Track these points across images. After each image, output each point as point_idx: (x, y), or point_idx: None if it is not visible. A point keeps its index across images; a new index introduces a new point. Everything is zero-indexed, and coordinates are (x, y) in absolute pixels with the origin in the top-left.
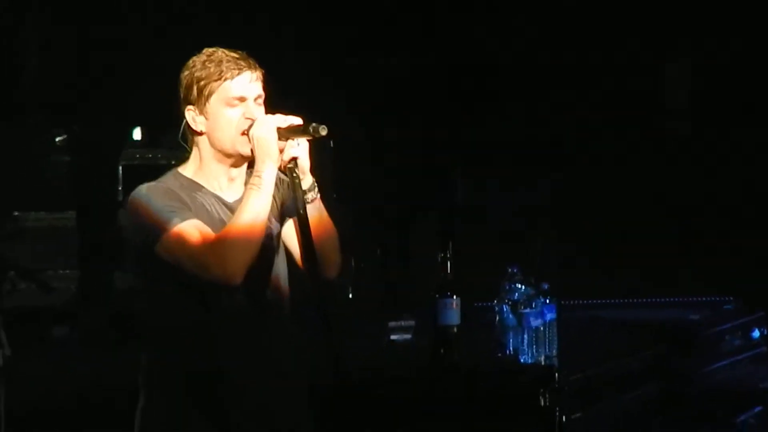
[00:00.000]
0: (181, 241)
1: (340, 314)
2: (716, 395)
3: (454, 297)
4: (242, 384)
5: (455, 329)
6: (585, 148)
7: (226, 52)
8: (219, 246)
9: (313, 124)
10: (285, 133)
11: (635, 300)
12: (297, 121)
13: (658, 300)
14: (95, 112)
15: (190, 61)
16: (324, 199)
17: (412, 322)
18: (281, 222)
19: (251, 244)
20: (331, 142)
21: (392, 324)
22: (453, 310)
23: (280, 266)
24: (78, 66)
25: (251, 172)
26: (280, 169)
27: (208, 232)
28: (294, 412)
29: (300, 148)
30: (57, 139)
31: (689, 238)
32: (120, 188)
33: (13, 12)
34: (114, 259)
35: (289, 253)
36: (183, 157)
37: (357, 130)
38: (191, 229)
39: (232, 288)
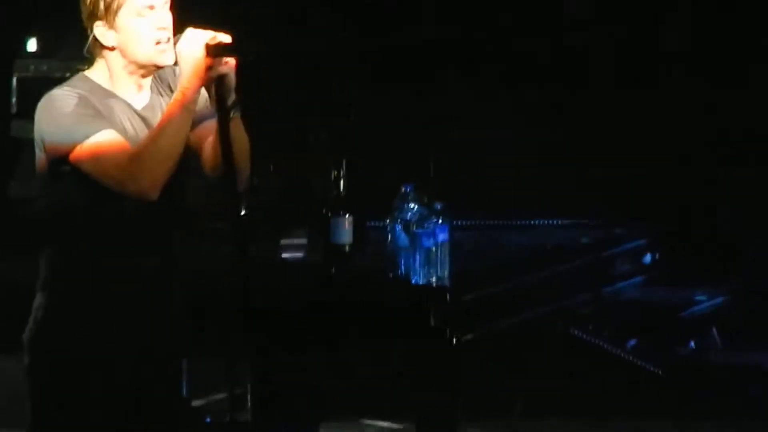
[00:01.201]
0: (96, 154)
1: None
2: (608, 318)
3: (347, 215)
4: (127, 286)
5: (347, 248)
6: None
7: None
8: (137, 160)
9: (244, 43)
10: (213, 50)
11: (528, 221)
12: (226, 38)
13: (550, 222)
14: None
15: None
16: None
17: (304, 240)
18: (195, 132)
19: (170, 161)
20: None
21: (284, 242)
22: (345, 228)
23: (185, 182)
24: None
25: (158, 75)
26: (205, 85)
27: (124, 144)
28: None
29: (227, 66)
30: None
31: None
32: (14, 100)
33: None
34: (9, 168)
35: (197, 162)
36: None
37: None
38: (107, 141)
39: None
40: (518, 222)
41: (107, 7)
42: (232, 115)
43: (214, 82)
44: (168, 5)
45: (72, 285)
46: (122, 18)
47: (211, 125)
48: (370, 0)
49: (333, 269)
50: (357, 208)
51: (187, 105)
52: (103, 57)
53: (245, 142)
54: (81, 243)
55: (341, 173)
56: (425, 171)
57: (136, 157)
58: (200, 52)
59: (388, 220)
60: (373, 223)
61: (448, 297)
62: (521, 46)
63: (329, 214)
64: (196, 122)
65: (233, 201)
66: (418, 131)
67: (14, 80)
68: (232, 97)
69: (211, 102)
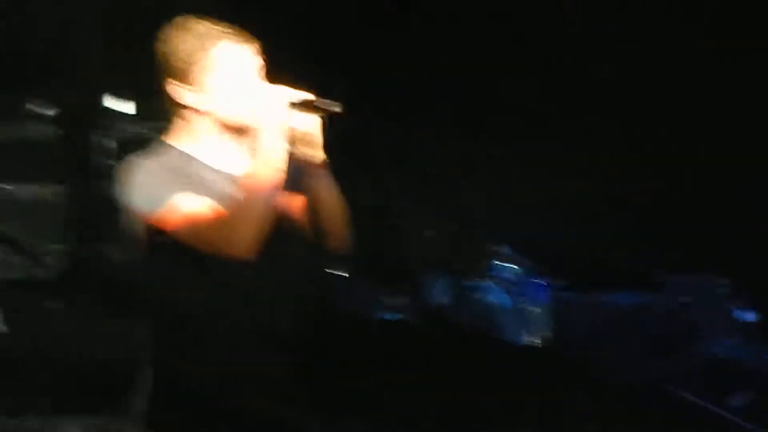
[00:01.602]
0: (187, 219)
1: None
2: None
3: (445, 275)
4: (242, 346)
5: (446, 308)
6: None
7: (209, 21)
8: (227, 223)
9: (326, 101)
10: (296, 107)
11: (626, 280)
12: (309, 96)
13: (651, 283)
14: (85, 84)
15: (171, 34)
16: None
17: (404, 301)
18: (288, 194)
19: (260, 220)
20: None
21: (384, 302)
22: (444, 289)
23: (287, 238)
24: (62, 36)
25: (249, 141)
26: (290, 143)
27: (210, 207)
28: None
29: (312, 124)
30: (49, 112)
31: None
32: (110, 161)
33: None
34: (104, 231)
35: (295, 223)
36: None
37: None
38: (196, 205)
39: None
40: (616, 281)
41: (191, 65)
42: (320, 174)
43: (299, 139)
44: (259, 68)
45: (178, 353)
46: (205, 77)
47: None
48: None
49: (431, 328)
50: (455, 268)
51: (274, 163)
52: (183, 117)
53: (337, 202)
54: (188, 312)
55: (440, 233)
56: (524, 232)
57: (225, 219)
58: (283, 108)
59: (487, 281)
60: (472, 283)
61: (546, 355)
62: (615, 108)
63: (427, 274)
64: (292, 188)
65: (326, 261)
66: (517, 191)
67: (110, 141)
68: (318, 156)
69: (299, 161)
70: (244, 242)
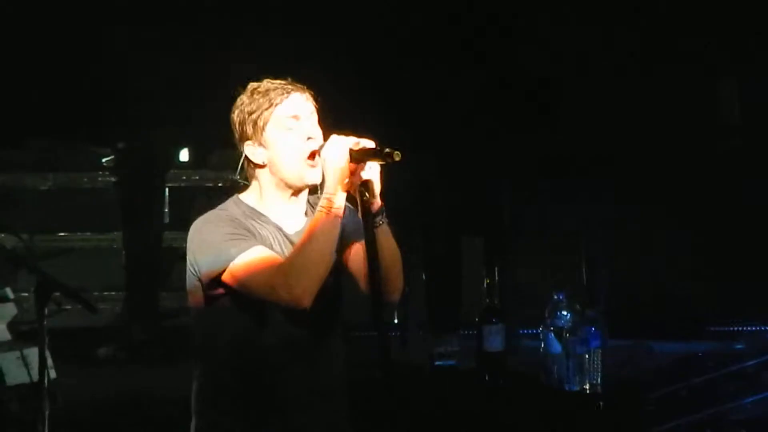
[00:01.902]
0: (249, 268)
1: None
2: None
3: (499, 322)
4: (291, 401)
5: (499, 355)
6: (637, 167)
7: (271, 81)
8: (288, 270)
9: (387, 149)
10: (357, 156)
11: (681, 328)
12: (369, 144)
13: (702, 329)
14: (142, 133)
15: (238, 100)
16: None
17: (457, 348)
18: (343, 244)
19: (320, 268)
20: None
21: (437, 349)
22: (497, 335)
23: (340, 290)
24: (126, 86)
25: (312, 201)
26: (350, 192)
27: (276, 257)
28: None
29: (371, 171)
30: (104, 160)
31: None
32: (166, 209)
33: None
34: (159, 279)
35: (348, 275)
36: (242, 185)
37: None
38: (259, 255)
39: (294, 310)
40: (670, 329)
41: (254, 125)
42: (378, 222)
43: (359, 188)
44: (315, 117)
45: (227, 405)
46: (269, 133)
47: (361, 243)
48: (521, 103)
49: (486, 376)
50: (509, 315)
51: (333, 210)
52: (255, 177)
53: (395, 250)
54: (237, 362)
55: (494, 280)
56: (578, 278)
57: (286, 266)
58: (344, 158)
59: (541, 327)
60: (526, 331)
61: (600, 404)
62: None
63: (481, 322)
64: (346, 240)
65: (380, 309)
66: (570, 237)
67: (166, 190)
68: (377, 203)
69: (358, 209)
70: (304, 289)
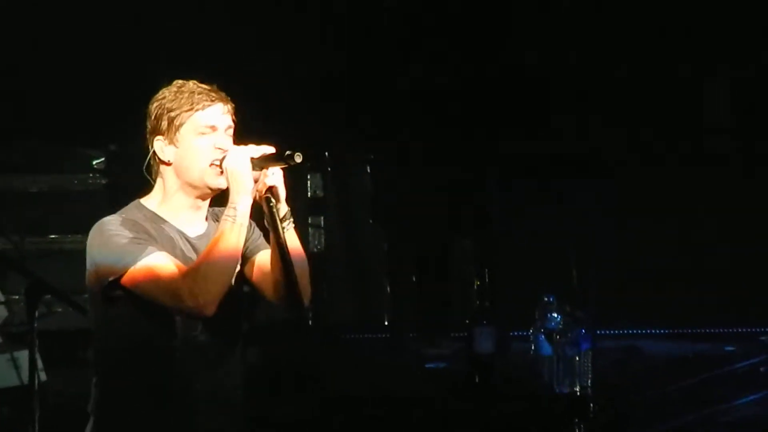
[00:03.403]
0: (151, 274)
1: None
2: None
3: (489, 325)
4: (191, 408)
5: (490, 357)
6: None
7: (198, 84)
8: (193, 277)
9: (288, 152)
10: (259, 163)
11: (671, 330)
12: (269, 150)
13: (692, 331)
14: (133, 134)
15: (160, 93)
16: (354, 222)
17: (447, 350)
18: (245, 255)
19: (226, 276)
20: (368, 167)
21: (428, 352)
22: (488, 338)
23: (241, 298)
24: (116, 87)
25: (215, 210)
26: (255, 199)
27: (178, 264)
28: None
29: (275, 177)
30: (94, 162)
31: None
32: None
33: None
34: None
35: (252, 285)
36: (145, 189)
37: (392, 152)
38: (161, 261)
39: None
40: (660, 331)
41: (170, 123)
42: (285, 227)
43: (264, 194)
44: (230, 131)
45: (126, 410)
46: (183, 135)
47: (266, 255)
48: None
49: (477, 378)
50: (499, 318)
51: (238, 218)
52: (160, 175)
53: (301, 255)
54: (136, 367)
55: (484, 282)
56: (567, 281)
57: (191, 273)
58: (246, 166)
59: (531, 330)
60: (515, 333)
61: (591, 406)
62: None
63: (472, 324)
64: (247, 251)
65: (298, 314)
66: (560, 240)
67: None
68: (283, 208)
69: (265, 217)
70: (208, 297)
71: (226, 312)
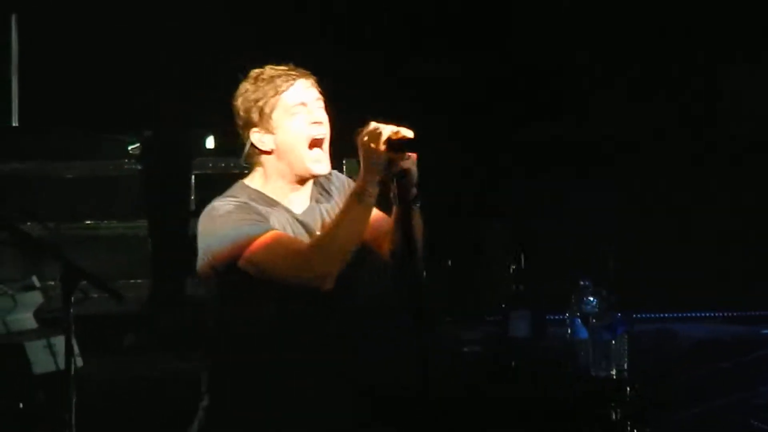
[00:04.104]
0: (268, 251)
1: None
2: None
3: (525, 309)
4: (304, 385)
5: (526, 341)
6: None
7: (273, 67)
8: (315, 251)
9: (428, 138)
10: (396, 146)
11: (708, 314)
12: (408, 133)
13: (730, 314)
14: (168, 120)
15: (241, 87)
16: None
17: (483, 334)
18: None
19: (346, 253)
20: None
21: (464, 336)
22: (524, 322)
23: (357, 274)
24: (151, 73)
25: (320, 181)
26: (385, 180)
27: (294, 239)
28: (344, 414)
29: (409, 161)
30: (129, 148)
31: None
32: (192, 197)
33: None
34: (186, 267)
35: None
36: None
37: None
38: (278, 238)
39: (311, 294)
40: (697, 314)
41: (260, 112)
42: (414, 209)
43: (396, 176)
44: (321, 102)
45: (243, 388)
46: (276, 120)
47: (383, 218)
48: (545, 92)
49: (513, 362)
50: (536, 302)
51: (366, 198)
52: (261, 164)
53: (420, 233)
54: (254, 345)
55: (520, 267)
56: (604, 264)
57: (314, 246)
58: (382, 146)
59: (567, 314)
60: (552, 317)
61: (627, 389)
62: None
63: (507, 308)
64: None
65: (415, 292)
66: (597, 223)
67: (192, 177)
68: (413, 192)
69: (392, 196)
70: (326, 271)
71: (344, 290)
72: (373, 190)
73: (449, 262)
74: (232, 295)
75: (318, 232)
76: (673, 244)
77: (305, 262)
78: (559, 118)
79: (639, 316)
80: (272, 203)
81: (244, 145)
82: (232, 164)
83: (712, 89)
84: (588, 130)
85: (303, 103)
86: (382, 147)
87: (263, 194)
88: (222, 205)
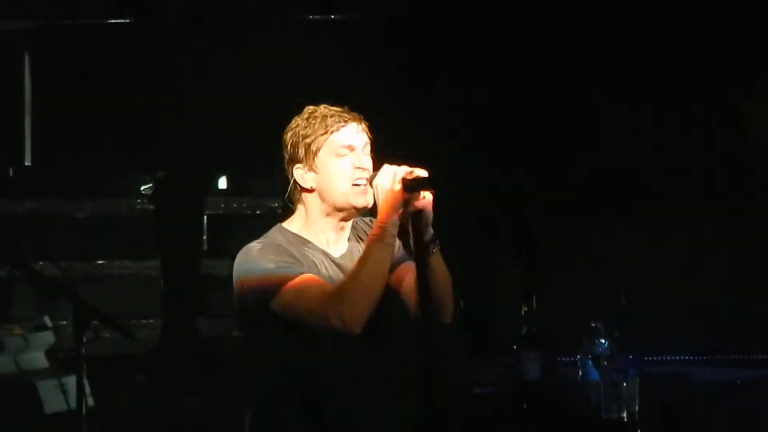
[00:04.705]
0: (298, 294)
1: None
2: None
3: (537, 351)
4: (348, 427)
5: (537, 383)
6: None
7: (328, 107)
8: (340, 296)
9: (443, 177)
10: (411, 185)
11: (721, 356)
12: (422, 173)
13: (744, 357)
14: (181, 160)
15: (293, 122)
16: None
17: (494, 375)
18: (392, 270)
19: (372, 295)
20: None
21: (474, 375)
22: (535, 363)
23: (393, 312)
24: (164, 113)
25: (355, 225)
26: (402, 221)
27: (325, 284)
28: None
29: (425, 201)
30: (142, 187)
31: None
32: (204, 237)
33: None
34: (198, 307)
35: (402, 298)
36: (286, 214)
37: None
38: (308, 282)
39: (346, 338)
40: (710, 357)
41: (307, 149)
42: (432, 250)
43: (411, 216)
44: (368, 149)
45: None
46: (322, 159)
47: (408, 266)
48: (557, 135)
49: (524, 404)
50: (547, 343)
51: (386, 239)
52: (302, 202)
53: (446, 275)
54: (292, 390)
55: (531, 308)
56: (615, 306)
57: (338, 292)
58: (397, 186)
59: (578, 355)
60: (563, 358)
61: (634, 430)
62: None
63: (519, 349)
64: (394, 264)
65: (431, 336)
66: (608, 265)
67: (205, 217)
68: (430, 232)
69: (410, 237)
70: (355, 315)
71: (378, 332)
72: (393, 230)
73: (461, 303)
74: (267, 337)
75: None
76: (687, 286)
77: (332, 306)
78: (574, 160)
79: (651, 358)
80: (310, 246)
81: (288, 181)
82: (244, 204)
83: (729, 129)
84: (604, 171)
85: (351, 147)
86: (398, 187)
87: (300, 237)
88: (256, 246)
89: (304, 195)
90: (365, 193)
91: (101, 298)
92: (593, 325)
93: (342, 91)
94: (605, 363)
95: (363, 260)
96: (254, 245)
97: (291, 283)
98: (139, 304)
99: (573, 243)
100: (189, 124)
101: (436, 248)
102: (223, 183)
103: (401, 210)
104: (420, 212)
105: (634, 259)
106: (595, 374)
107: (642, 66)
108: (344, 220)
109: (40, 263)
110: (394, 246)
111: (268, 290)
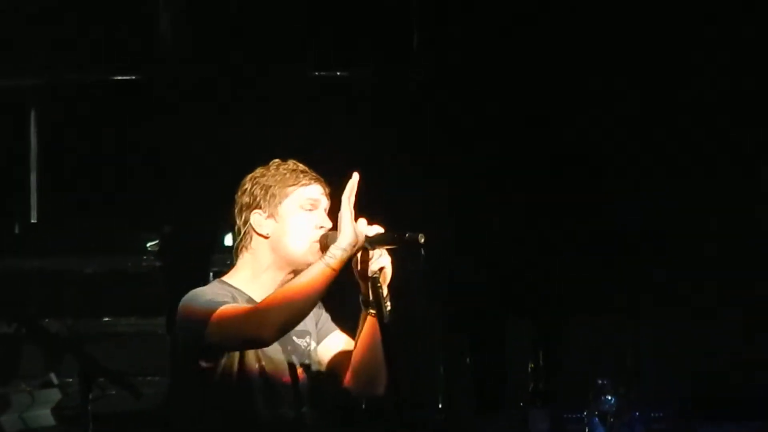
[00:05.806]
0: (226, 315)
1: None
2: None
3: (544, 407)
4: None
5: None
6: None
7: (296, 163)
8: (267, 306)
9: (409, 234)
10: (374, 242)
11: (725, 414)
12: (381, 230)
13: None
14: (187, 216)
15: (257, 171)
16: (408, 301)
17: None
18: (317, 340)
19: (296, 313)
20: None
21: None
22: (543, 419)
23: (311, 376)
24: (170, 169)
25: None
26: (361, 279)
27: (250, 307)
28: None
29: (385, 258)
30: (148, 244)
31: None
32: None
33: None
34: None
35: (329, 372)
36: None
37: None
38: (236, 306)
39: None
40: (714, 413)
41: (271, 196)
42: (387, 310)
43: (372, 275)
44: (327, 209)
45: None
46: (285, 208)
47: (336, 338)
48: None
49: None
50: (554, 400)
51: (333, 265)
52: (250, 251)
53: (384, 348)
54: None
55: (538, 365)
56: (621, 364)
57: (269, 298)
58: (362, 236)
59: (585, 412)
60: (570, 415)
61: None
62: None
63: (528, 405)
64: (319, 337)
65: (396, 388)
66: (611, 323)
67: (211, 274)
68: (387, 297)
69: (366, 302)
70: (272, 327)
71: (302, 394)
72: (341, 258)
73: (468, 359)
74: (201, 385)
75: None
76: (694, 345)
77: (255, 318)
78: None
79: (657, 414)
80: (246, 299)
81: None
82: None
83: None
84: (608, 224)
85: (315, 203)
86: (361, 239)
87: (242, 292)
88: (193, 291)
89: (255, 243)
90: (316, 252)
91: (107, 355)
92: (600, 381)
93: (342, 148)
94: (612, 420)
95: (302, 275)
96: (192, 291)
97: (221, 308)
98: (145, 361)
99: (581, 300)
100: (195, 180)
101: (388, 320)
102: (229, 240)
103: (357, 249)
104: (382, 270)
105: (647, 312)
106: (602, 431)
107: None
108: (293, 273)
109: (46, 320)
110: (334, 274)
111: (201, 322)
